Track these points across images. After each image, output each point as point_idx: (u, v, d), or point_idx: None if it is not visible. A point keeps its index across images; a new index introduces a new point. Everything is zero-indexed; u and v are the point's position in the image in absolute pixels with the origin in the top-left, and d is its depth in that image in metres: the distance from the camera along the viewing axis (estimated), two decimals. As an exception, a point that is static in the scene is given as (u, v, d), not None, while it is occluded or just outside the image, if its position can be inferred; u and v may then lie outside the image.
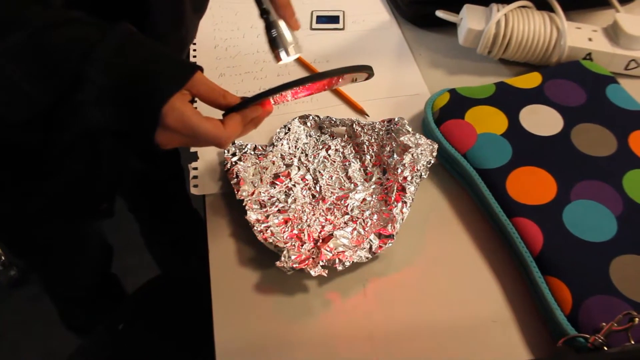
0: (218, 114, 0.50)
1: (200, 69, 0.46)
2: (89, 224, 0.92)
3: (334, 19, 0.82)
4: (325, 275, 0.50)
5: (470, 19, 0.71)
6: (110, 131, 0.45)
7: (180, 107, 0.44)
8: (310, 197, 0.58)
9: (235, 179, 0.57)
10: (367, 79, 0.55)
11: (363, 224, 0.55)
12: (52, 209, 0.71)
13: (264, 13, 0.52)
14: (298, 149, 0.62)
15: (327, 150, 0.62)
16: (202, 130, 0.45)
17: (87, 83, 0.40)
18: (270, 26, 0.52)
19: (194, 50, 0.78)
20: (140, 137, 0.45)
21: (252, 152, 0.61)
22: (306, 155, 0.62)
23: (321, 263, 0.50)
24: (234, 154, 0.60)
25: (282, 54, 0.53)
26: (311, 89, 0.55)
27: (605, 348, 0.43)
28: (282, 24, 0.52)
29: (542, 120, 0.61)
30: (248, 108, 0.49)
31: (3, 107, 0.41)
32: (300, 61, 0.75)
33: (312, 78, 0.48)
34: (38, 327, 1.43)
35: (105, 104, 0.41)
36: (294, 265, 0.50)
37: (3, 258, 1.51)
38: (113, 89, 0.41)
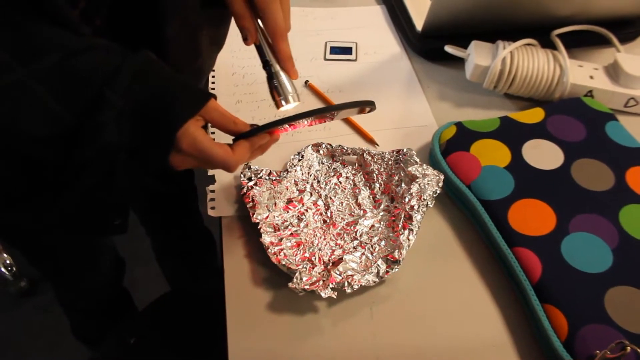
0: (229, 139, 0.53)
1: (214, 96, 0.49)
2: (102, 238, 0.94)
3: (347, 50, 0.86)
4: (335, 297, 0.53)
5: (477, 55, 0.74)
6: (126, 151, 0.48)
7: (194, 132, 0.47)
8: (322, 222, 0.61)
9: (251, 203, 0.60)
10: (369, 111, 0.58)
11: (371, 249, 0.57)
12: (66, 222, 0.74)
13: (266, 65, 0.55)
14: (311, 175, 0.65)
15: (338, 178, 0.65)
16: (213, 155, 0.48)
17: (108, 106, 0.43)
18: (272, 76, 0.55)
19: (213, 77, 0.81)
20: (155, 159, 0.48)
21: (267, 178, 0.64)
22: (318, 181, 0.65)
23: (331, 285, 0.53)
24: (250, 179, 0.63)
25: (283, 102, 0.56)
26: (320, 120, 0.58)
27: (598, 374, 0.46)
28: (283, 74, 0.55)
29: (544, 155, 0.63)
30: (256, 136, 0.52)
31: (32, 123, 0.44)
32: (313, 90, 0.78)
33: (318, 111, 0.51)
34: (47, 337, 1.45)
35: (124, 125, 0.44)
36: (305, 287, 0.53)
37: (14, 269, 1.54)
38: (131, 113, 0.44)
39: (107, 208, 0.76)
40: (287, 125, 0.53)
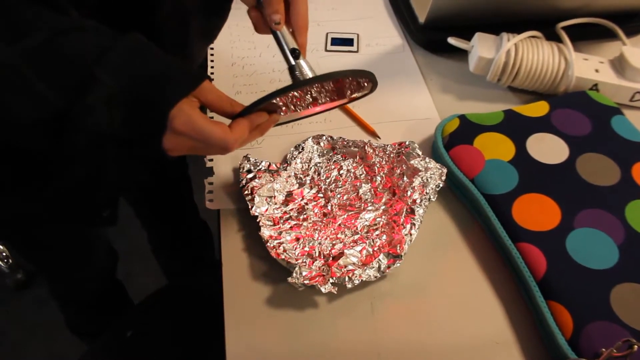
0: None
1: (209, 78, 0.48)
2: (93, 230, 0.93)
3: (349, 42, 0.84)
4: (335, 292, 0.52)
5: (481, 47, 0.73)
6: (118, 140, 0.46)
7: (189, 111, 0.45)
8: (322, 215, 0.60)
9: (250, 196, 0.59)
10: (371, 91, 0.56)
11: (372, 243, 0.56)
12: (53, 213, 0.72)
13: (293, 53, 0.53)
14: (311, 168, 0.64)
15: (339, 171, 0.64)
16: (210, 133, 0.46)
17: (98, 86, 0.41)
18: (293, 69, 0.54)
19: (212, 67, 0.80)
20: (149, 142, 0.46)
21: (267, 170, 0.62)
22: (319, 174, 0.63)
23: (331, 280, 0.52)
24: (249, 171, 0.62)
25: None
26: (319, 106, 0.56)
27: (604, 373, 0.45)
28: (305, 64, 0.53)
29: (549, 149, 0.62)
30: (254, 113, 0.50)
31: (18, 106, 0.42)
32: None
33: (313, 80, 0.50)
34: (43, 330, 1.45)
35: (115, 107, 0.42)
36: (305, 282, 0.52)
37: (10, 261, 1.53)
38: (123, 92, 0.42)
39: (94, 199, 0.75)
40: (292, 107, 0.52)
